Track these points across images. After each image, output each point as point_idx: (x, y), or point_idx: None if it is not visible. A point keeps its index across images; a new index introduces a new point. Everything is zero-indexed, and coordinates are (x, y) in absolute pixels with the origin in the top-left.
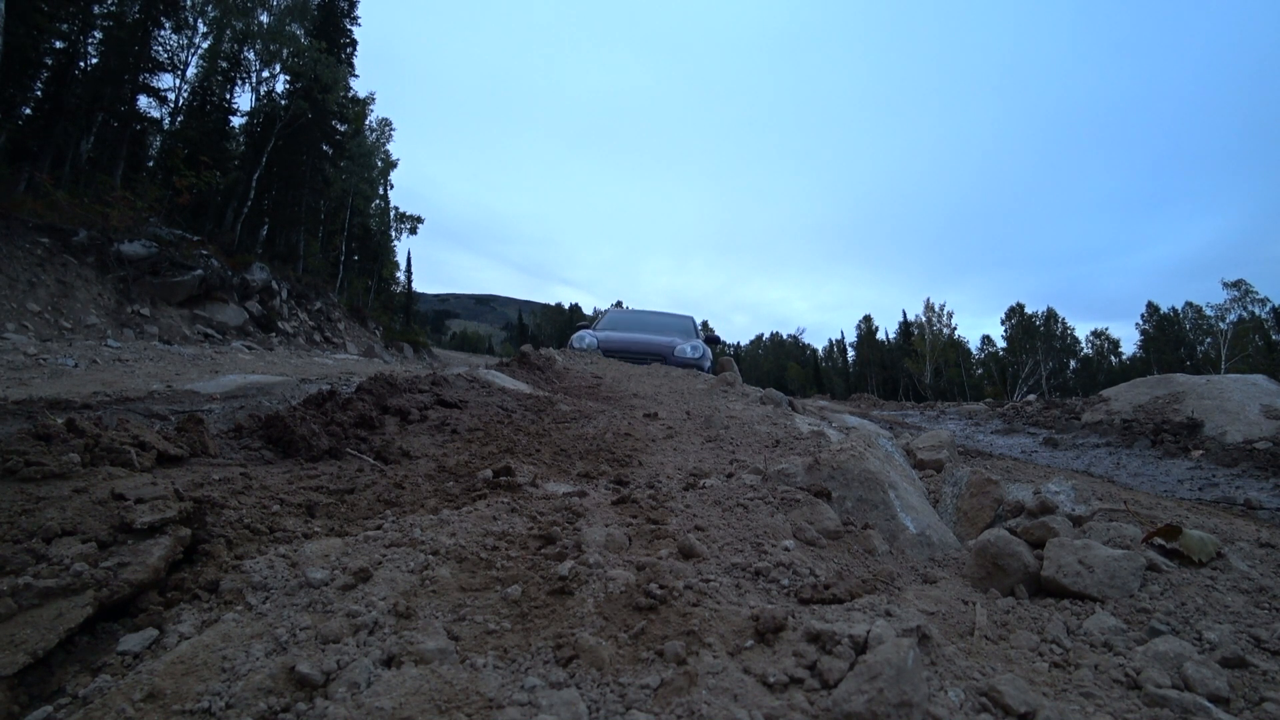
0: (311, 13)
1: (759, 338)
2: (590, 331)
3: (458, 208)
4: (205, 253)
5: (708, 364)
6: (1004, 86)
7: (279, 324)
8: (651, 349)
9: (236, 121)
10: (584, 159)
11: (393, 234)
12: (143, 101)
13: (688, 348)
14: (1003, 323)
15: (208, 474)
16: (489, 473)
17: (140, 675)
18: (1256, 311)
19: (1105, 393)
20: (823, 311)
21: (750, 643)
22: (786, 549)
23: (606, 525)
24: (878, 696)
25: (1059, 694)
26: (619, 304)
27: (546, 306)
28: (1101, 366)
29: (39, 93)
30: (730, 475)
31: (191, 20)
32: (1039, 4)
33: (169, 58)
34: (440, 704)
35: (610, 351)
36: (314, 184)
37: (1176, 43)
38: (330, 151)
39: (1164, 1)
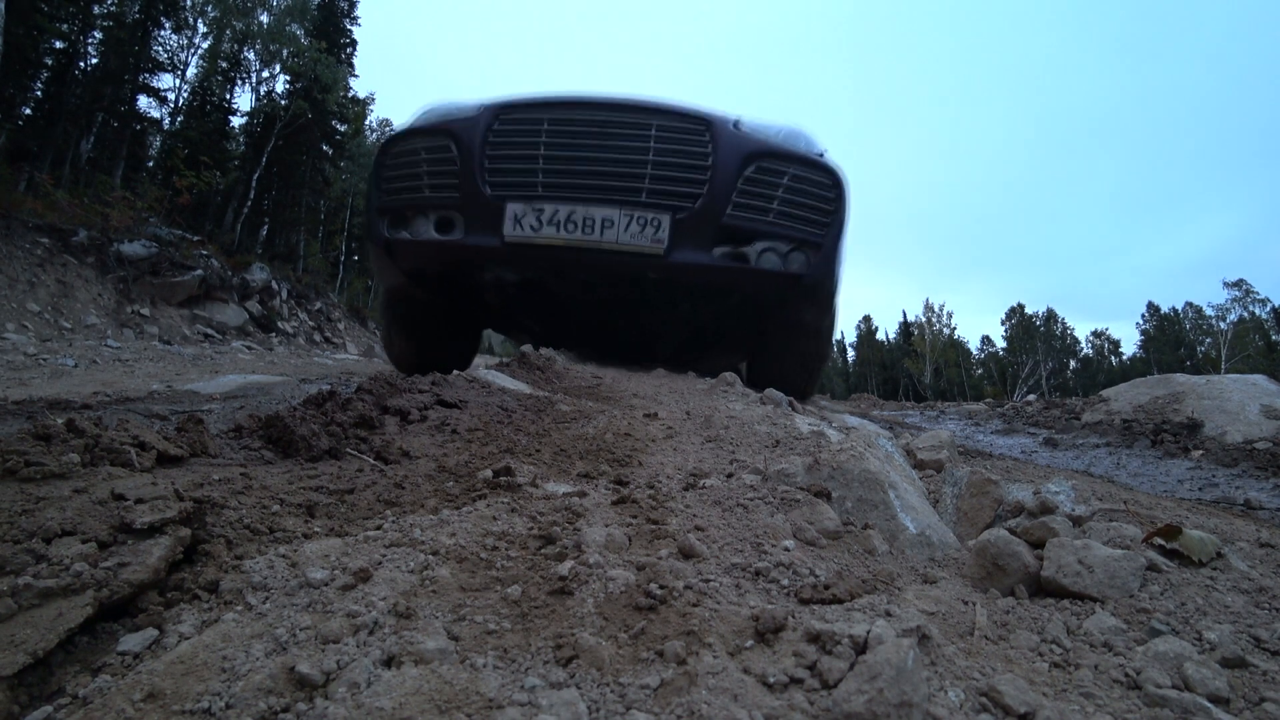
0: (311, 13)
1: None
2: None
3: None
4: (205, 253)
5: (824, 153)
6: (1005, 85)
7: (279, 324)
8: (650, 107)
9: (236, 121)
10: None
11: None
12: (143, 101)
13: (771, 129)
14: (1003, 323)
15: (208, 474)
16: (489, 473)
17: (140, 675)
18: (1257, 311)
19: (1105, 393)
20: None
21: (750, 643)
22: (786, 549)
23: (606, 525)
24: (878, 696)
25: (1059, 694)
26: None
27: None
28: (1101, 366)
29: (39, 93)
30: (730, 475)
31: (191, 20)
32: (1041, 2)
33: (169, 58)
34: (440, 704)
35: (515, 110)
36: (314, 184)
37: (1179, 42)
38: (330, 152)
39: (1168, 1)
